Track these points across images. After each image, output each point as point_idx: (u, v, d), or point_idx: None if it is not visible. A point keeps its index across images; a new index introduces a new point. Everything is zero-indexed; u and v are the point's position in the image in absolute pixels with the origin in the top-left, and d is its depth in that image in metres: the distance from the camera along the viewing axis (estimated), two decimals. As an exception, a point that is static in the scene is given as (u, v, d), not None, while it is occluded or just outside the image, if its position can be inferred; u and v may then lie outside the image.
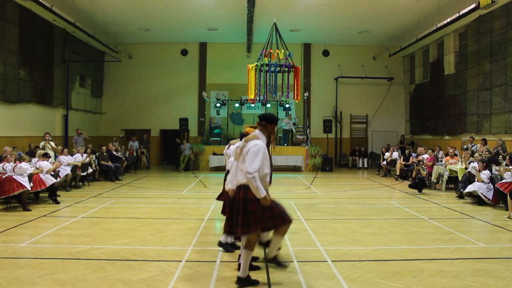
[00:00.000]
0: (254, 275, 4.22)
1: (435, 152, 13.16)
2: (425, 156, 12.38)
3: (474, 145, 12.18)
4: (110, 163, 13.03)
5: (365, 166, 18.24)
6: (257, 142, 3.92)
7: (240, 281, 4.05)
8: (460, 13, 12.22)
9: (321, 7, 14.23)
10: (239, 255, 4.61)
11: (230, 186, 4.44)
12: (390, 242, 5.80)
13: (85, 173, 11.56)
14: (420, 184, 10.70)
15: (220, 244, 5.22)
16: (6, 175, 7.89)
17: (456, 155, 11.92)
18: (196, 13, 15.01)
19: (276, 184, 12.42)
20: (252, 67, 11.04)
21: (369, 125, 19.89)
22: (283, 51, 10.97)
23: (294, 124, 18.15)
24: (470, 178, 9.55)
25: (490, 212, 8.19)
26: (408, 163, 13.74)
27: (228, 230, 4.32)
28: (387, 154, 15.36)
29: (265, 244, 4.49)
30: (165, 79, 19.32)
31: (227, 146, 5.47)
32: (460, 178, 10.23)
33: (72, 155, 11.58)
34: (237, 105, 18.22)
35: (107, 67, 18.99)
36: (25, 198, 7.94)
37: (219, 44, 19.18)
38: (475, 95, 13.57)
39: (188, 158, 16.24)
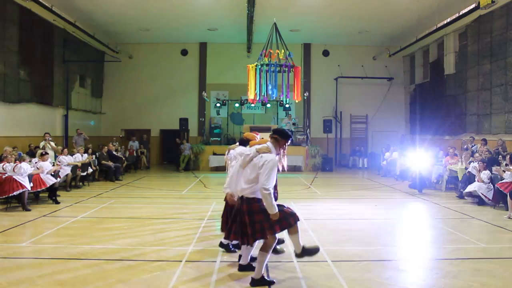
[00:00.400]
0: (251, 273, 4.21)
1: (435, 152, 13.12)
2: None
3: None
4: (110, 163, 13.03)
5: (365, 166, 18.24)
6: (272, 157, 3.90)
7: (254, 282, 4.03)
8: (460, 13, 12.22)
9: (321, 7, 14.24)
10: (240, 255, 4.62)
11: (229, 190, 4.45)
12: (390, 242, 5.80)
13: (85, 173, 11.56)
14: (420, 184, 10.70)
15: (222, 245, 5.22)
16: (6, 175, 7.89)
17: (456, 155, 11.91)
18: (196, 13, 15.01)
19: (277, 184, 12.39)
20: (252, 67, 11.05)
21: (369, 125, 19.89)
22: (283, 51, 10.98)
23: (294, 124, 18.15)
24: (470, 178, 9.55)
25: (490, 212, 8.19)
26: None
27: (226, 235, 4.33)
28: (387, 154, 15.35)
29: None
30: (165, 79, 19.33)
31: (226, 152, 5.45)
32: (460, 178, 10.23)
33: (72, 155, 11.58)
34: (237, 105, 18.22)
35: (107, 67, 18.99)
36: (25, 198, 7.94)
37: (219, 44, 19.18)
38: (475, 95, 13.57)
39: (188, 158, 16.24)
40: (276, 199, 4.21)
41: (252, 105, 16.83)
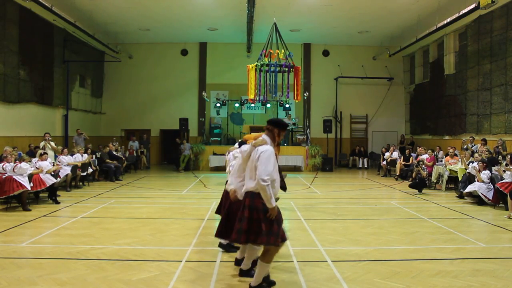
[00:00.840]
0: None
1: (435, 152, 13.17)
2: (425, 156, 12.38)
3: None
4: (114, 162, 13.04)
5: (365, 166, 18.25)
6: (267, 147, 3.80)
7: None
8: (460, 13, 12.22)
9: (321, 7, 14.24)
10: (236, 258, 4.60)
11: (232, 186, 4.34)
12: (390, 242, 5.80)
13: (85, 173, 11.56)
14: (420, 184, 10.70)
15: (221, 245, 5.22)
16: (6, 175, 7.89)
17: (456, 155, 11.92)
18: (196, 13, 15.02)
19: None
20: (252, 67, 11.04)
21: (369, 125, 19.89)
22: (283, 51, 10.97)
23: (294, 124, 18.16)
24: (470, 178, 9.55)
25: (490, 212, 8.19)
26: (408, 163, 13.74)
27: (220, 233, 4.27)
28: (387, 154, 15.36)
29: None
30: (165, 79, 19.33)
31: (226, 153, 5.48)
32: (460, 178, 10.23)
33: (72, 155, 11.58)
34: (237, 105, 18.22)
35: (107, 67, 19.00)
36: (25, 198, 7.94)
37: (219, 44, 19.19)
38: (475, 95, 13.57)
39: (188, 158, 16.24)
40: (284, 188, 4.09)
41: (252, 105, 16.87)
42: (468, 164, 10.04)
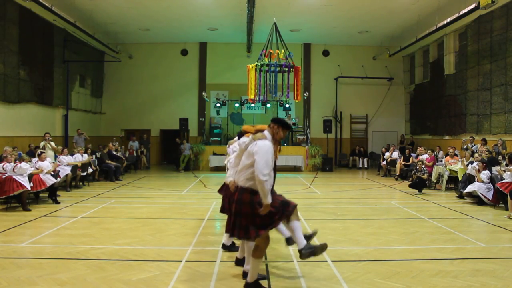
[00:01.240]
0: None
1: (435, 152, 13.18)
2: (425, 156, 12.38)
3: (474, 145, 12.18)
4: (110, 162, 13.05)
5: (365, 166, 18.25)
6: (266, 142, 3.81)
7: (248, 286, 3.93)
8: (460, 13, 12.22)
9: (321, 7, 14.24)
10: (236, 258, 4.61)
11: (231, 178, 4.31)
12: (390, 242, 5.80)
13: (85, 173, 11.56)
14: (420, 184, 10.70)
15: (224, 246, 5.21)
16: (6, 175, 7.89)
17: (456, 155, 11.92)
18: (196, 13, 15.02)
19: (276, 184, 12.37)
20: (252, 67, 11.03)
21: (369, 125, 19.90)
22: (283, 51, 10.96)
23: (294, 124, 18.16)
24: (470, 178, 9.55)
25: (490, 212, 8.19)
26: (408, 163, 13.74)
27: (229, 231, 4.28)
28: (387, 154, 15.36)
29: (289, 242, 4.31)
30: (165, 79, 19.33)
31: (227, 147, 5.47)
32: (460, 178, 10.23)
33: (72, 155, 11.58)
34: (237, 105, 18.22)
35: (107, 67, 19.00)
36: (25, 198, 7.95)
37: (219, 44, 19.19)
38: (475, 95, 13.57)
39: (188, 158, 16.25)
40: (273, 183, 4.11)
41: (252, 105, 16.86)
42: (468, 165, 10.03)
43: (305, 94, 16.65)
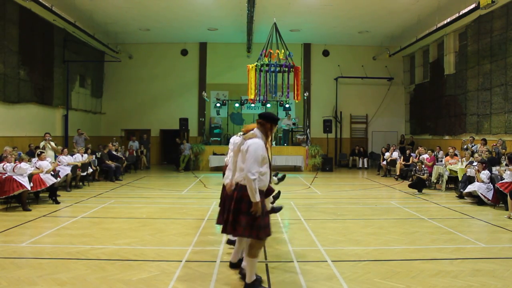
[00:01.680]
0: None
1: (435, 152, 13.18)
2: (425, 156, 12.38)
3: (474, 145, 12.18)
4: (111, 163, 13.05)
5: (365, 166, 18.25)
6: (256, 141, 3.86)
7: (247, 287, 3.94)
8: (460, 13, 12.22)
9: (321, 7, 14.24)
10: (230, 262, 4.59)
11: (228, 180, 4.37)
12: (390, 242, 5.80)
13: (85, 173, 11.56)
14: (420, 184, 10.70)
15: (230, 241, 5.20)
16: (6, 175, 7.89)
17: (456, 155, 11.92)
18: (196, 13, 15.02)
19: (277, 184, 12.40)
20: (252, 67, 11.03)
21: (369, 125, 19.90)
22: (283, 51, 10.96)
23: (294, 124, 18.17)
24: (470, 178, 9.55)
25: (490, 212, 8.19)
26: (408, 163, 13.74)
27: (220, 223, 4.29)
28: (387, 154, 15.36)
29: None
30: (165, 79, 19.33)
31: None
32: (460, 178, 10.23)
33: (72, 155, 11.58)
34: (237, 105, 18.22)
35: (107, 67, 19.00)
36: (25, 198, 7.94)
37: (219, 44, 19.19)
38: (475, 95, 13.57)
39: (188, 158, 16.25)
40: (270, 192, 4.15)
41: (252, 105, 16.85)
42: (467, 166, 10.03)
43: (305, 94, 16.64)
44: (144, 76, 19.28)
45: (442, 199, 9.78)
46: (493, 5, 10.89)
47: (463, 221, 7.35)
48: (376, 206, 8.84)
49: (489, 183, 8.75)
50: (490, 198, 8.62)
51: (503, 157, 10.21)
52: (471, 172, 9.59)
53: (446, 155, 12.16)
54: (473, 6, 11.48)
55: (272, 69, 10.92)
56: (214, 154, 16.10)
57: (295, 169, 16.57)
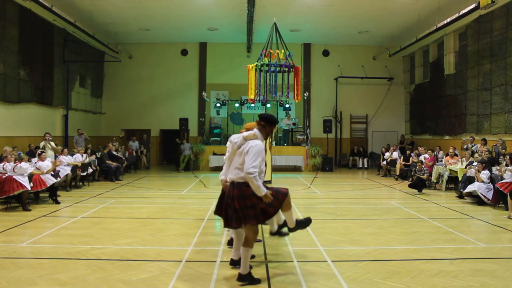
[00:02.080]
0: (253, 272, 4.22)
1: (435, 152, 13.18)
2: (425, 156, 12.38)
3: (474, 145, 12.18)
4: (111, 163, 13.05)
5: (365, 166, 18.26)
6: (258, 142, 3.96)
7: (241, 277, 4.08)
8: (460, 13, 12.22)
9: (321, 7, 14.24)
10: (231, 259, 4.60)
11: (224, 177, 4.47)
12: (390, 242, 5.80)
13: (85, 173, 11.56)
14: (420, 184, 10.70)
15: (230, 243, 5.20)
16: (6, 175, 7.89)
17: (456, 155, 11.92)
18: (196, 13, 15.02)
19: (276, 184, 12.41)
20: (252, 67, 11.04)
21: (369, 125, 19.90)
22: (283, 51, 10.97)
23: (294, 124, 18.17)
24: (470, 178, 9.56)
25: (490, 212, 8.19)
26: (408, 163, 13.74)
27: (219, 214, 4.34)
28: (387, 154, 15.36)
29: (279, 233, 4.57)
30: (165, 79, 19.34)
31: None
32: (460, 178, 10.23)
33: (72, 155, 11.59)
34: (237, 105, 18.22)
35: (107, 67, 19.00)
36: (25, 198, 7.94)
37: (219, 44, 19.19)
38: (475, 95, 13.57)
39: (188, 158, 16.25)
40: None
41: (252, 105, 16.85)
42: (467, 166, 10.03)
43: (305, 94, 16.64)
44: (144, 76, 19.28)
45: (442, 199, 9.78)
46: (493, 5, 10.89)
47: (463, 221, 7.35)
48: (376, 206, 8.84)
49: (489, 183, 8.75)
50: (490, 198, 8.62)
51: (501, 157, 10.21)
52: (471, 172, 9.59)
53: (446, 155, 12.16)
54: (473, 6, 11.49)
55: (272, 69, 10.93)
56: (214, 154, 16.10)
57: (295, 169, 16.58)
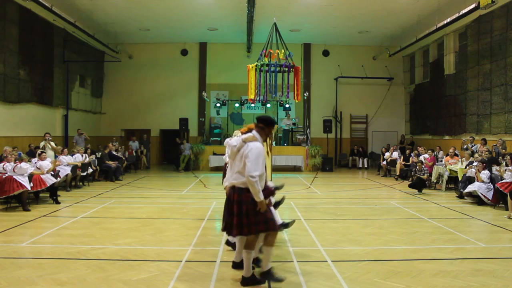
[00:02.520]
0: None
1: (435, 152, 13.18)
2: (425, 156, 12.38)
3: (474, 145, 12.18)
4: (112, 163, 13.06)
5: (365, 166, 18.25)
6: (258, 145, 3.92)
7: (245, 280, 4.04)
8: (460, 13, 12.22)
9: (321, 7, 14.24)
10: (233, 261, 4.60)
11: (227, 183, 4.39)
12: (390, 242, 5.80)
13: (85, 173, 11.56)
14: (419, 184, 10.70)
15: (228, 243, 5.20)
16: (6, 175, 7.89)
17: (456, 155, 11.91)
18: (196, 13, 15.01)
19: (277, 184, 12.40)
20: (252, 67, 11.03)
21: (369, 125, 19.89)
22: (283, 51, 10.96)
23: (294, 124, 18.16)
24: (470, 178, 9.55)
25: (490, 212, 8.19)
26: (408, 163, 13.74)
27: (223, 228, 4.31)
28: (387, 154, 15.36)
29: (255, 262, 4.45)
30: (165, 79, 19.33)
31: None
32: (460, 178, 10.23)
33: (72, 155, 11.59)
34: (237, 105, 18.22)
35: (107, 67, 19.00)
36: (25, 198, 7.94)
37: (219, 44, 19.19)
38: (475, 95, 13.57)
39: (188, 158, 16.25)
40: (270, 193, 4.19)
41: (252, 105, 16.86)
42: (466, 167, 10.03)
43: (305, 94, 16.65)
44: (144, 76, 19.27)
45: (442, 199, 9.78)
46: (493, 5, 10.90)
47: (463, 221, 7.35)
48: (376, 206, 8.84)
49: (489, 183, 8.74)
50: (490, 198, 8.61)
51: (500, 157, 10.21)
52: (471, 172, 9.59)
53: (446, 155, 12.16)
54: (473, 6, 11.49)
55: (272, 69, 10.93)
56: (214, 154, 16.10)
57: (295, 169, 16.57)
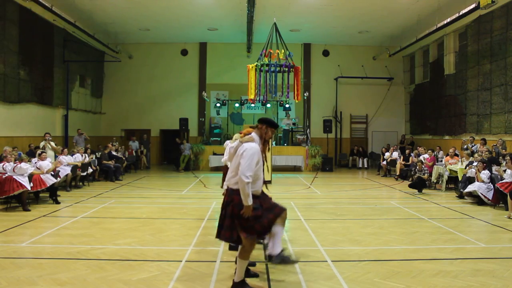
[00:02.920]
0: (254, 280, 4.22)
1: (435, 152, 13.18)
2: (425, 156, 12.38)
3: (474, 145, 12.18)
4: (111, 163, 13.05)
5: (365, 166, 18.25)
6: (253, 145, 3.84)
7: (235, 285, 3.96)
8: (460, 13, 12.22)
9: (321, 7, 14.23)
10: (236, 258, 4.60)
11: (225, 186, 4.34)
12: (390, 242, 5.80)
13: (85, 173, 11.56)
14: (420, 184, 10.70)
15: (231, 247, 5.18)
16: (6, 175, 7.89)
17: (456, 155, 11.91)
18: (196, 13, 15.02)
19: (276, 184, 12.42)
20: (252, 67, 11.03)
21: (369, 125, 19.89)
22: (283, 51, 10.96)
23: (294, 124, 18.16)
24: (470, 178, 9.55)
25: (490, 212, 8.19)
26: (408, 163, 13.74)
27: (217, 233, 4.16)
28: (387, 154, 15.36)
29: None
30: (165, 79, 19.33)
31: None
32: (460, 178, 10.23)
33: (72, 155, 11.59)
34: (237, 105, 18.21)
35: (107, 67, 19.00)
36: (25, 198, 7.94)
37: (219, 44, 19.19)
38: (475, 95, 13.57)
39: (188, 158, 16.25)
40: (266, 182, 4.10)
41: (252, 105, 16.86)
42: (466, 167, 10.03)
43: (305, 94, 16.65)
44: (144, 76, 19.28)
45: (442, 199, 9.78)
46: (493, 5, 10.90)
47: (463, 221, 7.35)
48: (376, 206, 8.84)
49: (489, 183, 8.74)
50: (490, 198, 8.61)
51: (500, 157, 10.22)
52: (471, 172, 9.59)
53: (446, 155, 12.15)
54: (473, 6, 11.49)
55: (272, 69, 10.93)
56: (214, 154, 16.10)
57: (295, 169, 16.58)
